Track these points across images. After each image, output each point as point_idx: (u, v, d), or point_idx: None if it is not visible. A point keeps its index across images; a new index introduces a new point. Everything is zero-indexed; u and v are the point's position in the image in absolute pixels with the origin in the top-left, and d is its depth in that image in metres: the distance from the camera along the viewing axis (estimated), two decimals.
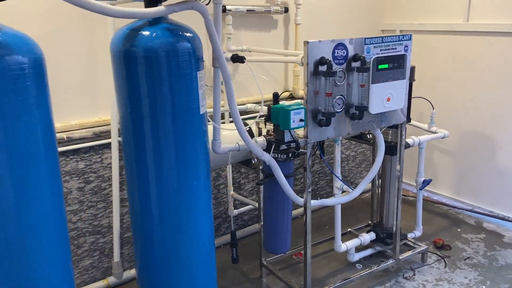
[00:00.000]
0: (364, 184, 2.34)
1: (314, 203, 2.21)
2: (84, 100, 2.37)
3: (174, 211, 1.79)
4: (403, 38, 2.25)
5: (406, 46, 2.28)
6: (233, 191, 3.00)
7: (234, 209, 3.04)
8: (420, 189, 2.93)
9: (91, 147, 2.35)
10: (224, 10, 2.72)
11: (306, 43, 1.94)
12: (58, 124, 2.26)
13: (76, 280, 2.46)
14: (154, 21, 1.67)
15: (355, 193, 2.32)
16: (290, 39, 3.17)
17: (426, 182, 2.93)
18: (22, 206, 1.38)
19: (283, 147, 2.02)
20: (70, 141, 2.27)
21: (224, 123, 2.85)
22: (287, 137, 1.98)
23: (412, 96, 2.80)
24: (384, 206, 2.87)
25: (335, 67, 2.03)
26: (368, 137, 2.70)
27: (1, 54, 1.27)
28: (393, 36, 2.21)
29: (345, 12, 3.47)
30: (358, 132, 2.27)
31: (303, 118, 1.94)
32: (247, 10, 2.82)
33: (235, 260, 2.35)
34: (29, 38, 1.37)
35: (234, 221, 3.14)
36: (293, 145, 2.03)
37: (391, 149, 2.65)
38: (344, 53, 2.06)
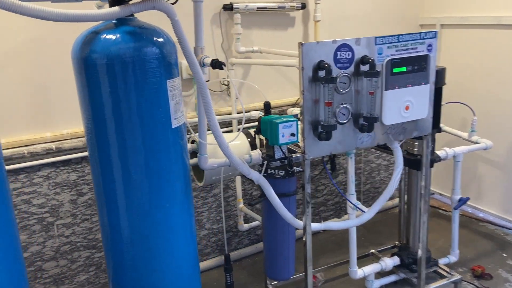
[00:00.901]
0: (378, 205, 2.03)
1: (316, 226, 1.93)
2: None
3: (145, 235, 1.61)
4: (425, 36, 1.91)
5: (429, 45, 1.93)
6: (244, 204, 2.79)
7: (245, 223, 2.83)
8: (455, 208, 2.55)
9: (83, 158, 2.23)
10: (231, 8, 2.50)
11: (301, 44, 1.67)
12: (48, 134, 2.17)
13: None
14: (119, 23, 1.49)
15: (366, 216, 2.01)
16: (309, 38, 2.89)
17: (463, 201, 2.54)
18: None
19: (276, 163, 1.76)
20: (60, 151, 2.16)
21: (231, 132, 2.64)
22: (278, 153, 1.72)
23: (446, 101, 2.45)
24: (410, 227, 2.53)
25: (337, 72, 1.74)
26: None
27: None
28: (412, 34, 1.87)
29: (376, 6, 3.12)
30: (369, 146, 1.96)
31: (295, 132, 1.67)
32: (258, 8, 2.57)
33: (229, 287, 2.13)
34: None
35: (246, 235, 2.92)
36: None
37: (418, 163, 2.31)
38: (349, 55, 1.76)
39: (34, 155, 2.13)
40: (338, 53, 1.74)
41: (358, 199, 3.39)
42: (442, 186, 3.54)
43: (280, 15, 2.74)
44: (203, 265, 2.73)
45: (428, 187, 2.34)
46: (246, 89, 2.76)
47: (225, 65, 1.60)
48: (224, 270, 2.13)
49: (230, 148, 1.64)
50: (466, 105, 2.61)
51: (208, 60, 1.62)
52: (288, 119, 1.67)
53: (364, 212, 2.03)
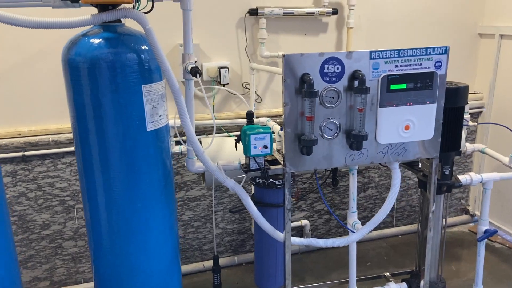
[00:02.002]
0: (368, 228, 1.91)
1: (299, 241, 1.88)
2: None
3: (120, 227, 1.71)
4: (433, 51, 1.74)
5: (438, 61, 1.76)
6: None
7: None
8: (479, 240, 2.30)
9: None
10: (256, 13, 2.51)
11: (283, 56, 1.63)
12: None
13: None
14: (106, 28, 1.59)
15: (354, 237, 1.91)
16: (343, 45, 2.79)
17: (489, 233, 2.28)
18: None
19: (252, 174, 1.75)
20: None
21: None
22: (253, 164, 1.70)
23: (481, 122, 2.22)
24: (421, 253, 2.33)
25: (323, 85, 1.67)
26: (420, 166, 2.19)
27: None
28: (417, 49, 1.73)
29: (425, 13, 2.90)
30: (360, 164, 1.85)
31: (268, 145, 1.64)
32: (284, 13, 2.54)
33: (217, 287, 2.16)
34: None
35: None
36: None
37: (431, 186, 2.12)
38: (338, 69, 1.68)
39: (58, 143, 2.36)
40: (326, 66, 1.66)
41: (391, 216, 3.23)
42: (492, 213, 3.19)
43: (311, 20, 2.68)
44: None
45: (440, 213, 2.15)
46: (271, 93, 2.74)
47: (200, 73, 1.62)
48: (212, 271, 2.18)
49: (205, 154, 1.67)
50: (505, 127, 2.33)
51: (189, 67, 1.66)
52: (263, 130, 1.65)
53: (353, 232, 1.93)
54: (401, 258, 2.93)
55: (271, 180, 1.87)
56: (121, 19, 1.58)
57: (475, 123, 2.68)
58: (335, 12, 2.63)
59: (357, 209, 2.32)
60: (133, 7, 1.52)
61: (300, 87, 1.67)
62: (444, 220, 2.23)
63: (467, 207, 3.39)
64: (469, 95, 2.98)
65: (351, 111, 1.74)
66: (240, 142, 1.75)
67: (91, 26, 1.60)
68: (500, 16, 2.92)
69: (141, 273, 1.79)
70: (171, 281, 1.90)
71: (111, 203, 1.69)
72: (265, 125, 2.28)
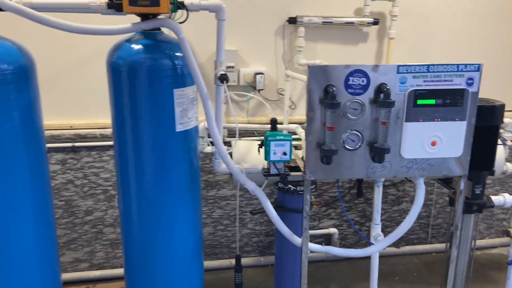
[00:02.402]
0: (388, 241, 1.90)
1: (317, 248, 1.92)
2: None
3: (149, 218, 1.85)
4: (465, 68, 1.72)
5: (470, 78, 1.73)
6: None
7: None
8: (509, 263, 2.21)
9: None
10: (295, 21, 2.57)
11: (308, 67, 1.69)
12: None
13: None
14: (146, 35, 1.73)
15: (372, 249, 1.91)
16: (383, 55, 2.77)
17: None
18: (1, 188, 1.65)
19: (273, 179, 1.82)
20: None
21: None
22: (273, 170, 1.77)
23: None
24: (448, 273, 2.27)
25: (347, 97, 1.70)
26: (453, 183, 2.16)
27: None
28: (448, 65, 1.71)
29: (477, 25, 2.81)
30: (383, 177, 1.86)
31: (287, 152, 1.70)
32: (323, 22, 2.58)
33: (238, 286, 2.24)
34: (15, 48, 1.60)
35: None
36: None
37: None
38: (363, 81, 1.70)
39: (104, 137, 2.55)
40: (350, 78, 1.69)
41: (426, 232, 3.16)
42: None
43: (351, 30, 2.69)
44: (242, 261, 2.88)
45: (469, 232, 2.10)
46: (305, 100, 2.78)
47: (227, 80, 1.71)
48: (234, 270, 2.26)
49: (228, 156, 1.76)
50: None
51: (219, 74, 1.75)
52: (283, 137, 1.71)
53: (372, 244, 1.94)
54: (431, 275, 2.86)
55: (289, 185, 1.92)
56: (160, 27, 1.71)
57: (506, 143, 2.57)
58: (376, 22, 2.63)
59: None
60: (170, 17, 1.64)
61: (323, 97, 1.71)
62: (473, 240, 2.17)
63: (509, 229, 3.23)
64: None
65: (376, 123, 1.75)
66: (261, 147, 1.83)
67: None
68: None
69: (164, 262, 1.92)
70: (192, 273, 2.01)
71: (142, 195, 1.83)
72: (293, 132, 2.33)
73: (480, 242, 3.17)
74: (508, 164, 2.50)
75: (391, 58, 2.70)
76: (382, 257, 3.05)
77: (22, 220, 1.70)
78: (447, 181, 2.23)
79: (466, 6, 2.77)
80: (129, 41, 1.73)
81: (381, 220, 2.98)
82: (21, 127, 1.63)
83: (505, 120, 2.56)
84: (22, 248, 1.72)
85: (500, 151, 2.32)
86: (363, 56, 2.75)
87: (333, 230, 2.95)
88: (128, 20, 1.63)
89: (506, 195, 2.14)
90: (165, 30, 1.76)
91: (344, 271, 2.88)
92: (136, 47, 1.69)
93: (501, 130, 2.59)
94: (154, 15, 1.66)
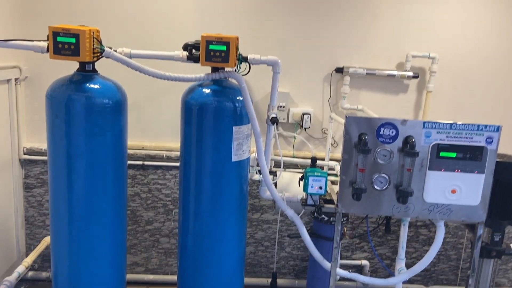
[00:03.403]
0: (407, 275, 2.14)
1: (343, 273, 2.19)
2: None
3: (204, 231, 2.21)
4: (485, 128, 1.97)
5: (490, 137, 1.97)
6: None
7: None
8: None
9: None
10: (342, 71, 2.90)
11: (346, 117, 2.01)
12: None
13: None
14: (214, 82, 2.14)
15: (393, 280, 2.15)
16: (421, 106, 3.03)
17: None
18: (91, 196, 2.08)
19: (309, 208, 2.13)
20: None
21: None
22: (309, 201, 2.08)
23: None
24: None
25: (377, 145, 2.00)
26: None
27: (92, 96, 1.98)
28: (469, 124, 1.97)
29: (509, 83, 3.01)
30: (406, 217, 2.11)
31: (323, 186, 2.01)
32: (367, 73, 2.90)
33: None
34: (114, 86, 2.06)
35: None
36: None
37: (481, 250, 2.27)
38: (392, 132, 1.99)
39: (169, 158, 2.98)
40: (382, 129, 2.00)
41: (455, 274, 3.29)
42: None
43: (392, 81, 2.98)
44: (279, 282, 3.15)
45: (487, 277, 2.27)
46: None
47: (277, 123, 2.06)
48: (270, 285, 2.56)
49: (272, 186, 2.10)
50: None
51: (271, 116, 2.11)
52: (320, 174, 2.02)
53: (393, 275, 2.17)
54: None
55: (323, 215, 2.22)
56: None
57: None
58: (416, 76, 2.91)
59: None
60: (235, 70, 2.04)
61: (357, 143, 2.02)
62: (491, 285, 2.34)
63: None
64: None
65: (402, 169, 2.03)
66: (302, 180, 2.15)
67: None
68: None
69: (213, 272, 2.27)
70: (235, 283, 2.33)
71: (198, 212, 2.20)
72: (333, 168, 2.63)
73: None
74: None
75: (429, 109, 2.95)
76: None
77: (104, 224, 2.13)
78: (472, 227, 2.43)
79: (505, 64, 2.98)
80: (201, 85, 2.14)
81: (411, 258, 3.18)
82: (111, 149, 2.08)
83: None
84: (102, 245, 2.14)
85: None
86: (402, 106, 3.02)
87: (365, 262, 3.17)
88: (198, 66, 2.03)
89: None
90: None
91: None
92: (206, 91, 2.10)
93: None
94: (223, 67, 2.07)
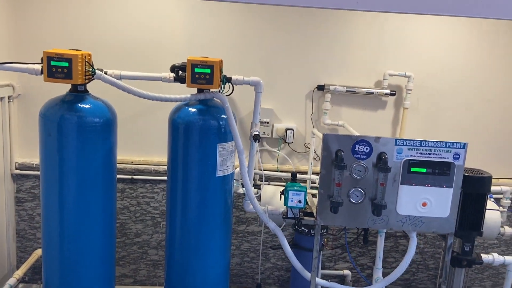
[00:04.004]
0: (382, 284, 2.26)
1: (321, 282, 2.30)
2: None
3: (190, 241, 2.31)
4: (452, 145, 2.11)
5: (457, 154, 2.12)
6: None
7: None
8: None
9: None
10: (323, 89, 3.05)
11: (323, 134, 2.14)
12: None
13: None
14: (201, 101, 2.26)
15: None
16: (399, 122, 3.18)
17: None
18: (81, 209, 2.18)
19: (290, 221, 2.25)
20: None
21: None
22: (290, 213, 2.20)
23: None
24: None
25: (352, 160, 2.13)
26: None
27: (84, 115, 2.09)
28: (437, 141, 2.11)
29: (483, 101, 3.18)
30: (381, 229, 2.24)
31: (302, 200, 2.13)
32: (347, 91, 3.05)
33: None
34: (104, 106, 2.17)
35: None
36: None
37: (453, 260, 2.41)
38: (367, 149, 2.13)
39: (157, 172, 3.09)
40: (357, 146, 2.13)
41: (434, 283, 3.42)
42: None
43: (371, 98, 3.13)
44: None
45: (460, 285, 2.40)
46: None
47: (259, 140, 2.19)
48: None
49: (255, 199, 2.22)
50: None
51: (253, 133, 2.24)
52: (299, 189, 2.15)
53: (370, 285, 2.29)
54: None
55: (303, 228, 2.34)
56: None
57: (504, 209, 2.86)
58: (393, 94, 3.07)
59: None
60: (219, 91, 2.17)
61: (334, 159, 2.15)
62: None
63: None
64: None
65: (376, 183, 2.16)
66: (282, 194, 2.27)
67: None
68: None
69: (198, 282, 2.36)
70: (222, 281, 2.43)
71: (185, 224, 2.31)
72: (314, 181, 2.76)
73: None
74: (506, 227, 2.79)
75: (405, 125, 3.10)
76: None
77: (94, 237, 2.22)
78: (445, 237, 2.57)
79: (477, 84, 3.15)
80: (187, 105, 2.26)
81: (392, 267, 3.30)
82: (102, 164, 2.18)
83: (503, 188, 2.89)
84: (92, 257, 2.24)
85: (496, 216, 2.63)
86: (381, 121, 3.17)
87: (347, 272, 3.28)
88: (185, 86, 2.15)
89: (495, 254, 2.45)
90: None
91: None
92: (192, 110, 2.22)
93: (500, 196, 2.91)
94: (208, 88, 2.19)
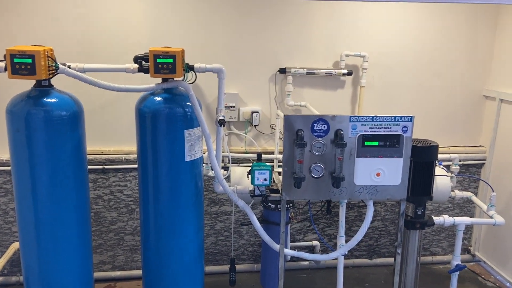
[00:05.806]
0: (343, 249, 2.47)
1: (290, 252, 2.49)
2: None
3: (163, 224, 2.43)
4: (401, 119, 2.30)
5: (405, 127, 2.31)
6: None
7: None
8: (450, 272, 2.75)
9: None
10: (285, 71, 3.19)
11: (284, 116, 2.29)
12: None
13: None
14: (165, 91, 2.35)
15: (332, 255, 2.47)
16: (357, 99, 3.37)
17: (458, 268, 2.73)
18: (55, 201, 2.25)
19: (258, 198, 2.40)
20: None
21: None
22: (257, 191, 2.36)
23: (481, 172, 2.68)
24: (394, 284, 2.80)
25: (312, 138, 2.29)
26: None
27: (50, 109, 2.15)
28: (387, 116, 2.29)
29: (432, 76, 3.40)
30: (341, 199, 2.43)
31: (267, 178, 2.29)
32: (307, 72, 3.20)
33: (232, 283, 2.83)
34: (70, 99, 2.23)
35: None
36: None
37: (407, 223, 2.63)
38: (324, 127, 2.29)
39: (128, 161, 3.17)
40: (315, 124, 2.29)
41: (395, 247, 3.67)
42: (486, 252, 3.55)
43: (330, 79, 3.30)
44: (238, 267, 3.43)
45: (415, 247, 2.64)
46: None
47: (224, 124, 2.32)
48: (229, 269, 2.83)
49: (223, 180, 2.36)
50: (484, 181, 2.77)
51: (218, 118, 2.36)
52: (264, 168, 2.30)
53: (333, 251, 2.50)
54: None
55: (270, 204, 2.50)
56: None
57: (453, 174, 3.11)
58: (350, 73, 3.24)
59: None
60: (183, 80, 2.27)
61: (295, 138, 2.30)
62: (418, 255, 2.70)
63: (469, 247, 3.74)
64: (474, 148, 3.46)
65: (334, 158, 2.34)
66: (249, 174, 2.42)
67: None
68: (502, 83, 3.34)
69: (174, 264, 2.49)
70: (195, 271, 2.57)
71: (158, 209, 2.42)
72: (281, 161, 2.91)
73: (443, 258, 3.68)
74: (457, 191, 3.04)
75: (363, 102, 3.29)
76: (357, 267, 3.60)
77: (70, 227, 2.31)
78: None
79: (426, 60, 3.37)
80: (153, 94, 2.35)
81: None
82: (72, 156, 2.26)
83: (452, 155, 3.14)
84: (69, 248, 2.32)
85: (446, 181, 2.87)
86: (341, 100, 3.35)
87: (316, 242, 3.49)
88: (149, 77, 2.25)
89: (446, 216, 2.69)
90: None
91: (326, 278, 3.40)
92: (158, 99, 2.31)
93: (450, 163, 3.16)
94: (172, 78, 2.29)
